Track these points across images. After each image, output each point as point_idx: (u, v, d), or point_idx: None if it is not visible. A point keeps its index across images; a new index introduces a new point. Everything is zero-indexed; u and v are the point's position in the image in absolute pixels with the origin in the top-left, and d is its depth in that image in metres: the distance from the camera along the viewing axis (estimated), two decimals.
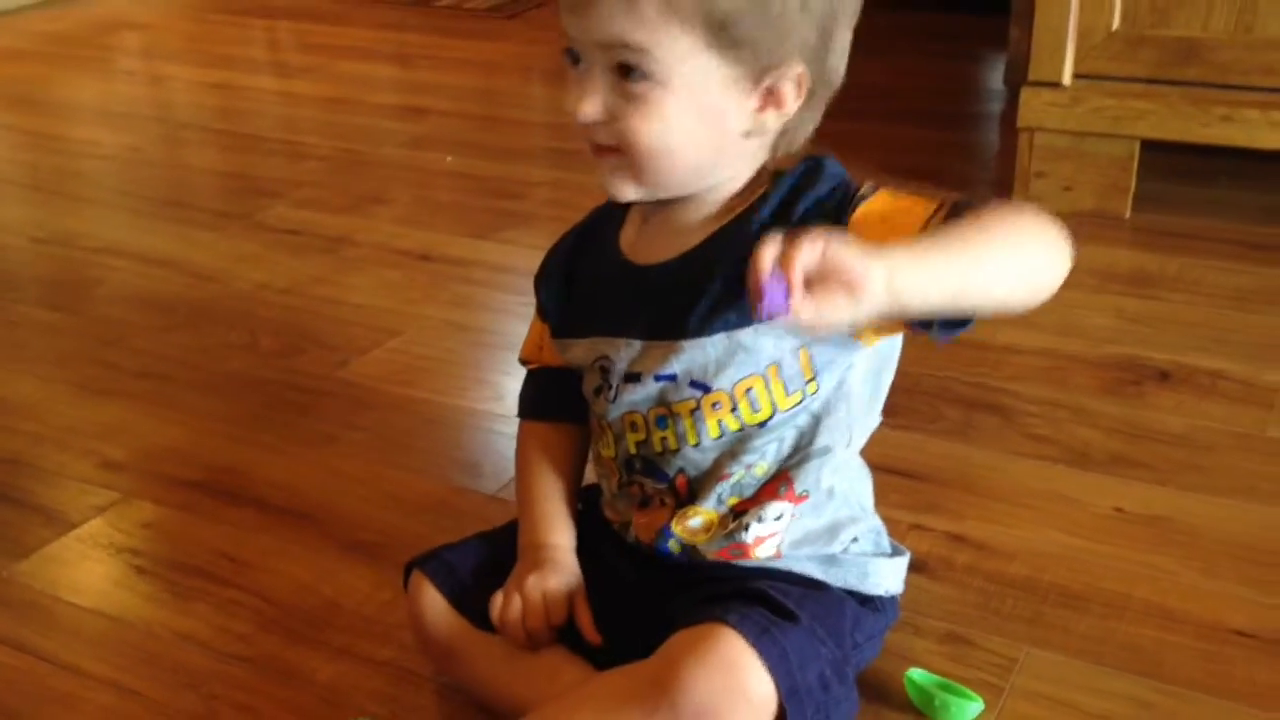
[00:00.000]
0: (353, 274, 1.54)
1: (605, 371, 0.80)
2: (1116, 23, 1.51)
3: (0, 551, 1.04)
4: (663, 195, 0.75)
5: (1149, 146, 1.55)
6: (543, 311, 0.87)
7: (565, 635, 0.82)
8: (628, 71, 0.69)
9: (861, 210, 0.72)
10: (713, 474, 0.78)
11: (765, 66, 0.70)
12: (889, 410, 1.18)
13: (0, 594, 0.99)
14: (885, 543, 0.85)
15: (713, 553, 0.79)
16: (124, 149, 2.03)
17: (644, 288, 0.78)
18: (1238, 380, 1.22)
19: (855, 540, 0.82)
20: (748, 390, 0.75)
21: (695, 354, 0.75)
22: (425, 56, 2.49)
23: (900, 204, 0.72)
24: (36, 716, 0.87)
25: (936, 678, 0.85)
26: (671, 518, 0.79)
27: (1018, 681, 0.87)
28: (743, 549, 0.78)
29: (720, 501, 0.78)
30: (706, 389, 0.76)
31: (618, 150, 0.72)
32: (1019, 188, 1.62)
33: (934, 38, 2.36)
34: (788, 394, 0.76)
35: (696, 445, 0.78)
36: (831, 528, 0.80)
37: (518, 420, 0.91)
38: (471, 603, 0.82)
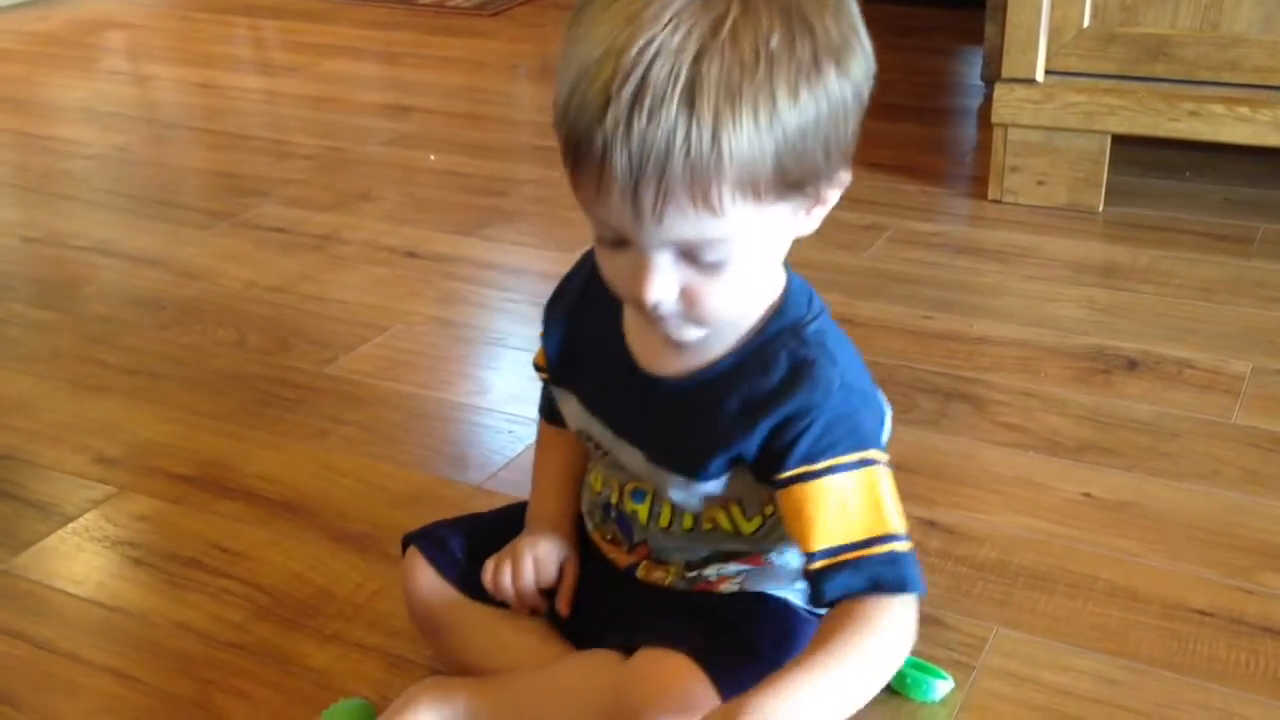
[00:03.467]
0: (340, 271, 1.56)
1: (596, 446, 0.82)
2: (1087, 20, 1.55)
3: None
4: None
5: (1120, 141, 1.58)
6: (545, 348, 0.86)
7: (550, 615, 0.85)
8: (702, 257, 0.66)
9: (805, 484, 0.71)
10: (677, 552, 0.81)
11: (822, 188, 0.68)
12: None
13: None
14: None
15: (679, 588, 0.82)
16: (111, 148, 2.05)
17: (655, 403, 0.76)
18: (1204, 369, 1.25)
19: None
20: (724, 506, 0.78)
21: (694, 488, 0.76)
22: (410, 55, 2.51)
23: (825, 507, 0.70)
24: (37, 703, 0.90)
25: (908, 657, 0.88)
26: (637, 564, 0.83)
27: (988, 660, 0.90)
28: (708, 586, 0.81)
29: (683, 563, 0.82)
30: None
31: (687, 314, 0.69)
32: (994, 182, 1.65)
33: (912, 32, 2.39)
34: (747, 519, 0.79)
35: (666, 529, 0.80)
36: (794, 577, 0.82)
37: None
38: (462, 575, 0.85)
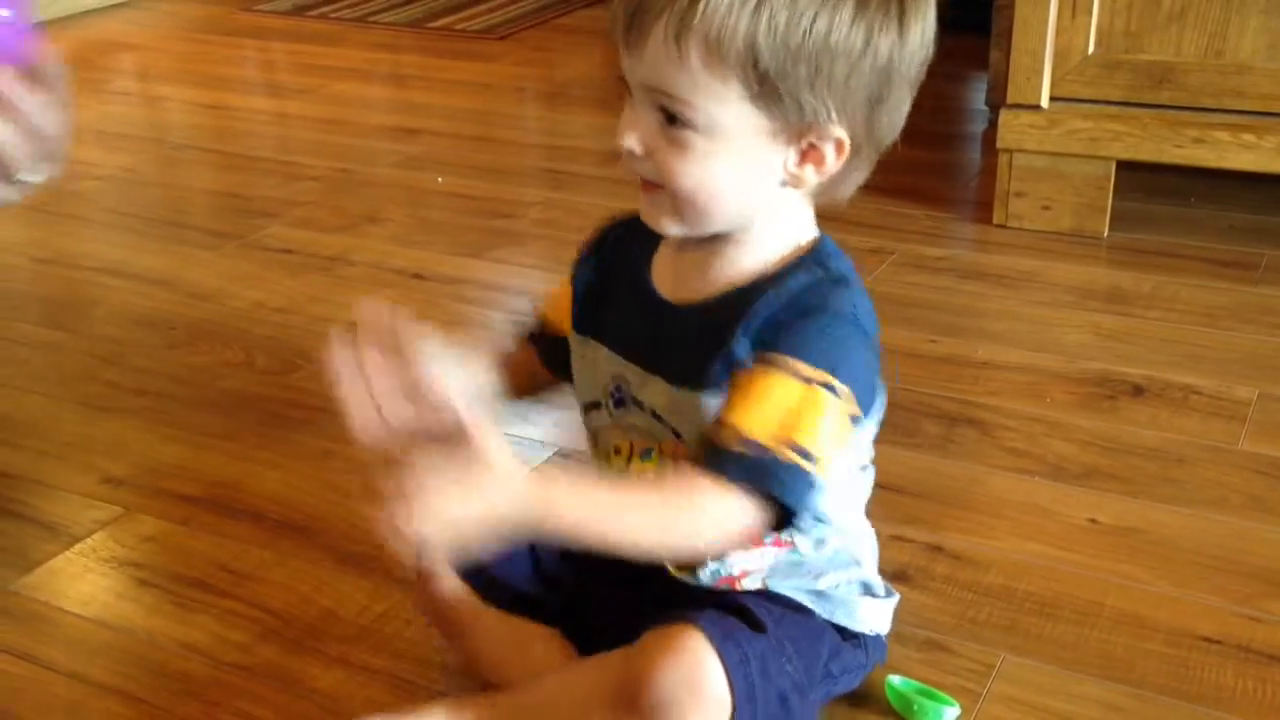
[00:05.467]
0: (347, 292, 1.56)
1: (615, 392, 0.82)
2: (1092, 47, 1.55)
3: (5, 565, 1.07)
4: (701, 234, 0.76)
5: (1125, 167, 1.59)
6: (575, 281, 0.86)
7: (563, 623, 0.85)
8: (670, 117, 0.70)
9: (764, 369, 0.72)
10: None
11: (806, 125, 0.71)
12: None
13: (6, 606, 1.02)
14: (877, 588, 0.87)
15: (705, 582, 0.81)
16: (120, 169, 2.06)
17: (674, 328, 0.78)
18: (1210, 395, 1.25)
19: (839, 586, 0.83)
20: None
21: (706, 404, 0.76)
22: (419, 77, 2.53)
23: (767, 397, 0.72)
24: None
25: (915, 683, 0.88)
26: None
27: (994, 687, 0.90)
28: (729, 580, 0.81)
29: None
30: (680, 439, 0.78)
31: (660, 186, 0.73)
32: (999, 207, 1.66)
33: None
34: None
35: None
36: (819, 571, 0.82)
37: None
38: (483, 581, 0.85)
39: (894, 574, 1.01)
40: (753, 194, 0.74)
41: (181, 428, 1.28)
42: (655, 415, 0.79)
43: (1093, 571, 1.01)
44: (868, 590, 0.85)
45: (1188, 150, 1.53)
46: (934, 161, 1.94)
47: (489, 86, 2.43)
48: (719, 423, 0.73)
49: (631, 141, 0.72)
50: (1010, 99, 1.60)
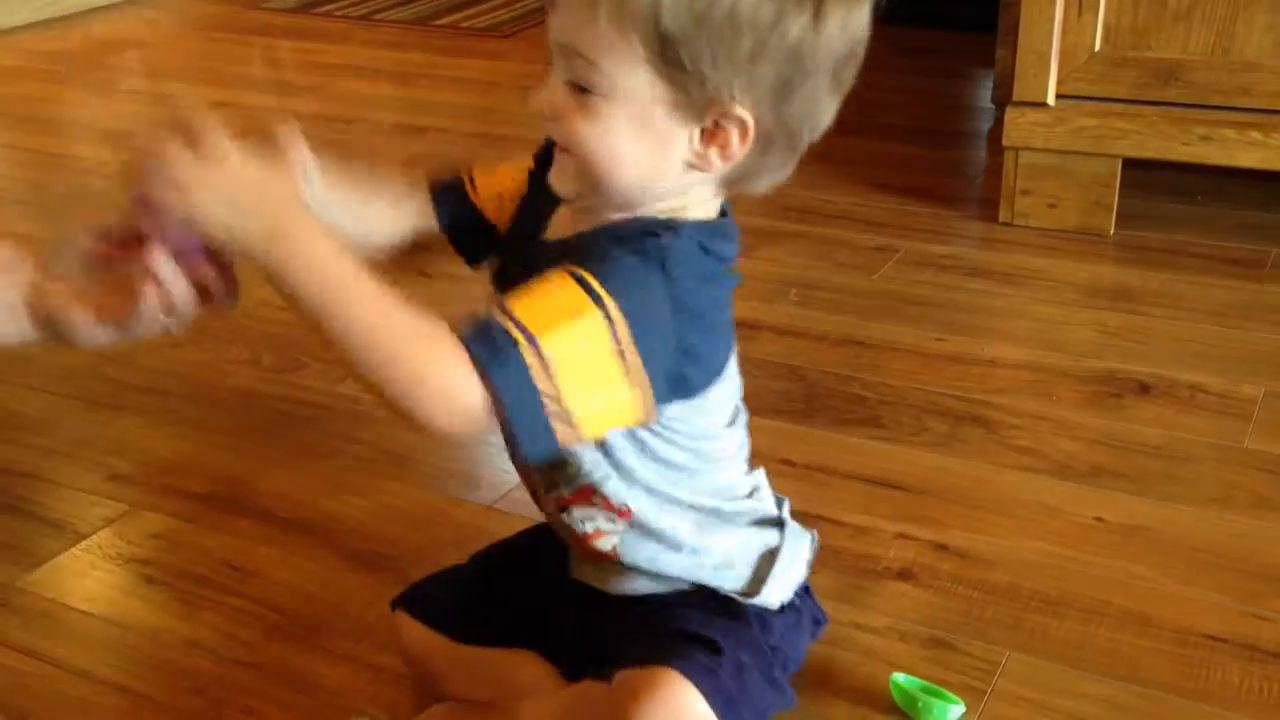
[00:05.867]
0: None
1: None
2: (1098, 44, 1.55)
3: (12, 562, 1.07)
4: (600, 205, 0.73)
5: (1131, 165, 1.58)
6: (533, 174, 0.83)
7: (539, 645, 0.86)
8: (576, 74, 0.70)
9: (558, 269, 0.68)
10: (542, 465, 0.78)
11: (708, 99, 0.69)
12: (876, 422, 1.21)
13: (13, 603, 1.02)
14: (759, 568, 0.83)
15: (573, 534, 0.80)
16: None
17: (534, 260, 0.74)
18: (1216, 393, 1.25)
19: (718, 568, 0.82)
20: None
21: None
22: (424, 75, 2.53)
23: (541, 287, 0.68)
24: None
25: (920, 681, 0.88)
26: (534, 481, 0.81)
27: (999, 685, 0.89)
28: (583, 539, 0.79)
29: (552, 483, 0.79)
30: None
31: (568, 150, 0.72)
32: (1005, 205, 1.65)
33: (923, 55, 2.40)
34: None
35: None
36: (676, 542, 0.80)
37: None
38: (450, 622, 0.87)
39: (899, 572, 1.01)
40: (655, 166, 0.71)
41: (187, 425, 1.28)
42: None
43: (1099, 570, 1.01)
44: (752, 576, 0.82)
45: (1194, 148, 1.52)
46: (940, 159, 1.93)
47: (495, 84, 2.43)
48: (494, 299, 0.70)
49: (538, 100, 0.72)
50: (1016, 96, 1.60)
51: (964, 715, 0.86)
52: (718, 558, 0.81)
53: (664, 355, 0.69)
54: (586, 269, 0.67)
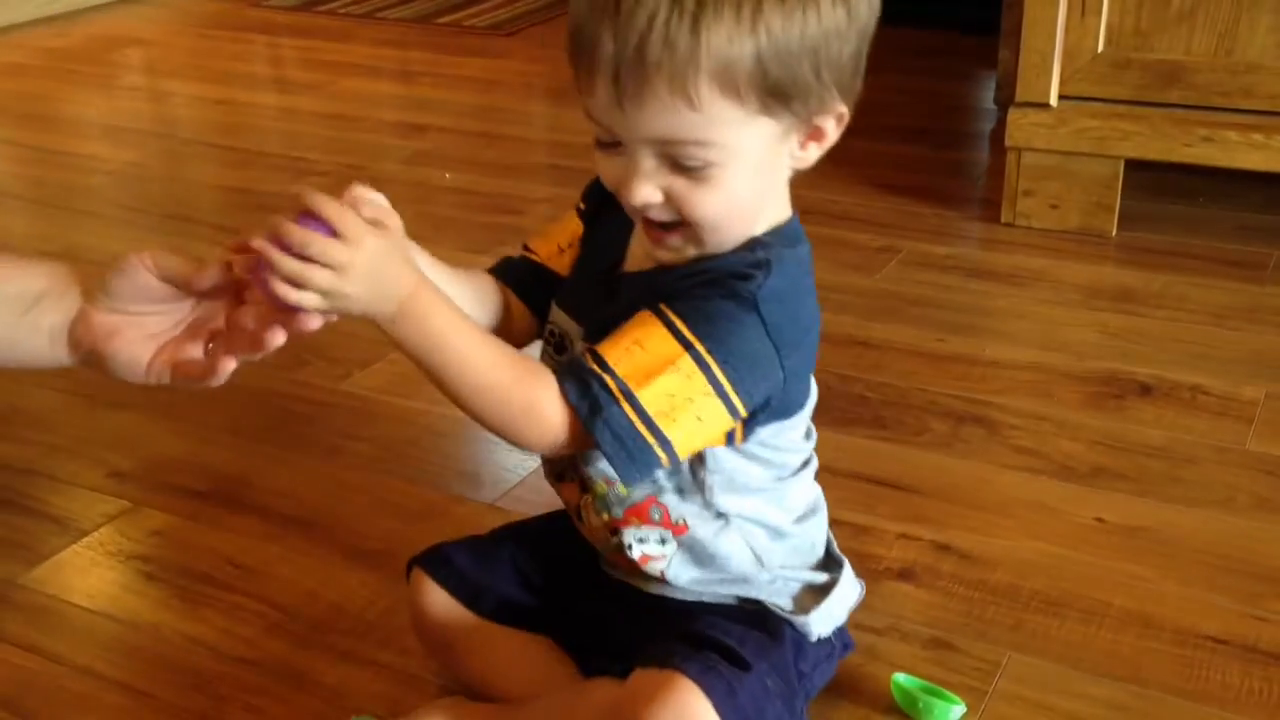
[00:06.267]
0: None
1: (552, 336, 0.81)
2: (1101, 46, 1.55)
3: (14, 558, 1.07)
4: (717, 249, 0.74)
5: (1133, 166, 1.58)
6: (583, 213, 0.83)
7: (552, 630, 0.85)
8: (684, 160, 0.68)
9: (646, 311, 0.71)
10: (589, 462, 0.78)
11: (815, 109, 0.70)
12: (878, 423, 1.21)
13: (14, 599, 1.02)
14: (814, 581, 0.84)
15: (622, 561, 0.80)
16: (128, 164, 2.06)
17: (617, 294, 0.77)
18: (1217, 395, 1.25)
19: (772, 582, 0.82)
20: None
21: None
22: (426, 73, 2.53)
23: (633, 332, 0.70)
24: (49, 717, 0.90)
25: (921, 681, 0.88)
26: (579, 499, 0.81)
27: (1000, 685, 0.89)
28: (631, 562, 0.80)
29: (603, 505, 0.79)
30: None
31: (678, 224, 0.71)
32: (1007, 205, 1.65)
33: (926, 55, 2.40)
34: None
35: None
36: (734, 576, 0.80)
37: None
38: (469, 593, 0.86)
39: (900, 572, 1.01)
40: (768, 191, 0.74)
41: (189, 422, 1.28)
42: None
43: (1099, 571, 1.01)
44: (797, 605, 0.83)
45: (1197, 149, 1.52)
46: (942, 160, 1.93)
47: (496, 83, 2.43)
48: (589, 346, 0.72)
49: (648, 194, 0.69)
50: (1019, 97, 1.60)
51: (965, 715, 0.86)
52: (767, 579, 0.81)
53: (763, 389, 0.72)
54: (677, 312, 0.70)
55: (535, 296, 0.84)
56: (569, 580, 0.87)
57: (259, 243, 0.66)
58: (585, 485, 0.79)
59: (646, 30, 0.63)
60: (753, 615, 0.81)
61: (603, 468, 0.75)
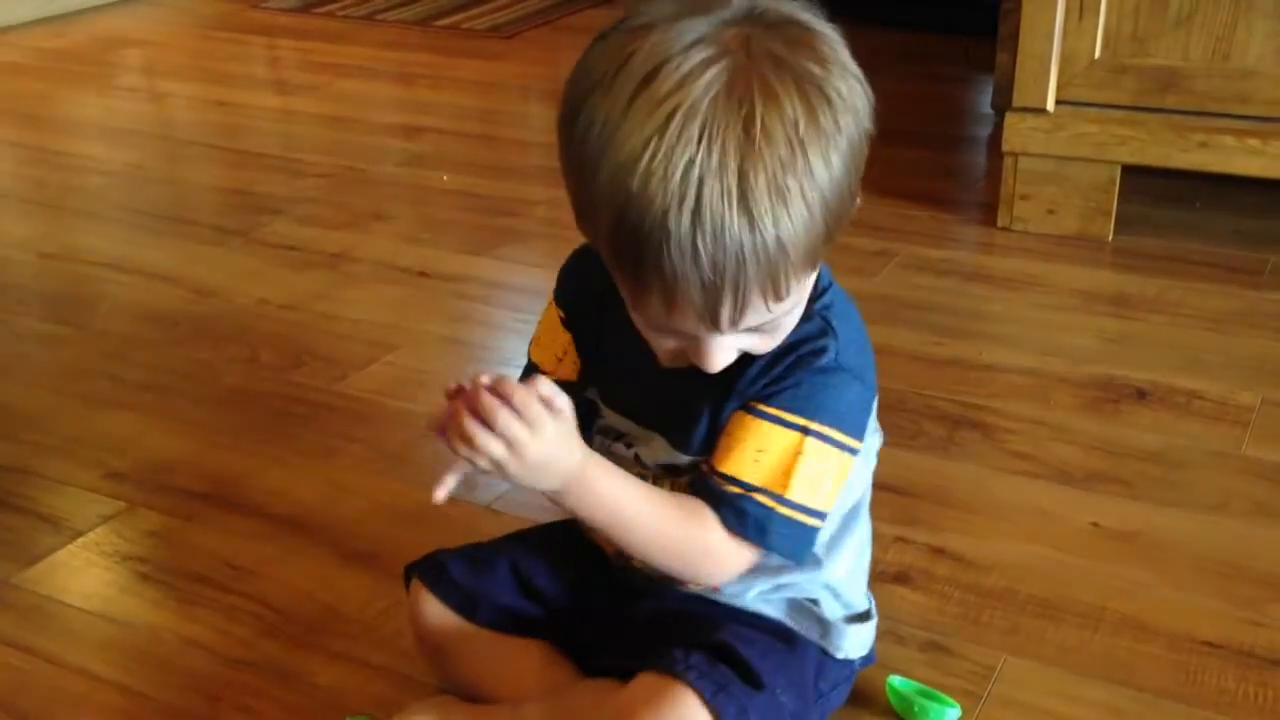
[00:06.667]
0: (352, 290, 1.57)
1: (619, 436, 0.82)
2: (1098, 51, 1.55)
3: (9, 558, 1.07)
4: None
5: (1130, 171, 1.59)
6: (569, 324, 0.84)
7: (552, 636, 0.85)
8: (766, 326, 0.70)
9: (746, 415, 0.74)
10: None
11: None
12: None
13: (9, 599, 1.02)
14: (858, 607, 0.86)
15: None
16: (126, 165, 2.06)
17: (671, 391, 0.78)
18: (1214, 400, 1.25)
19: (817, 602, 0.83)
20: None
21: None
22: (425, 76, 2.53)
23: (748, 441, 0.74)
24: (45, 717, 0.90)
25: (916, 684, 0.88)
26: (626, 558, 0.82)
27: (995, 689, 0.90)
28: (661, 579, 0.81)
29: None
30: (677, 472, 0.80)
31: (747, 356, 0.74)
32: (1004, 210, 1.66)
33: (924, 59, 2.41)
34: None
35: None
36: (787, 585, 0.82)
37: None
38: (464, 602, 0.85)
39: (896, 575, 1.01)
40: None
41: (185, 423, 1.28)
42: (645, 464, 0.80)
43: (1095, 575, 1.01)
44: (846, 612, 0.85)
45: (1193, 155, 1.53)
46: (939, 164, 1.94)
47: (495, 85, 2.44)
48: (714, 469, 0.75)
49: (730, 358, 0.72)
50: (1016, 102, 1.60)
51: (960, 719, 0.86)
52: (822, 584, 0.82)
53: (866, 417, 0.78)
54: (778, 406, 0.74)
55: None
56: (584, 582, 0.86)
57: (454, 404, 0.69)
58: None
59: (736, 263, 0.63)
60: (779, 630, 0.81)
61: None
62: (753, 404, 0.74)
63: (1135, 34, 1.53)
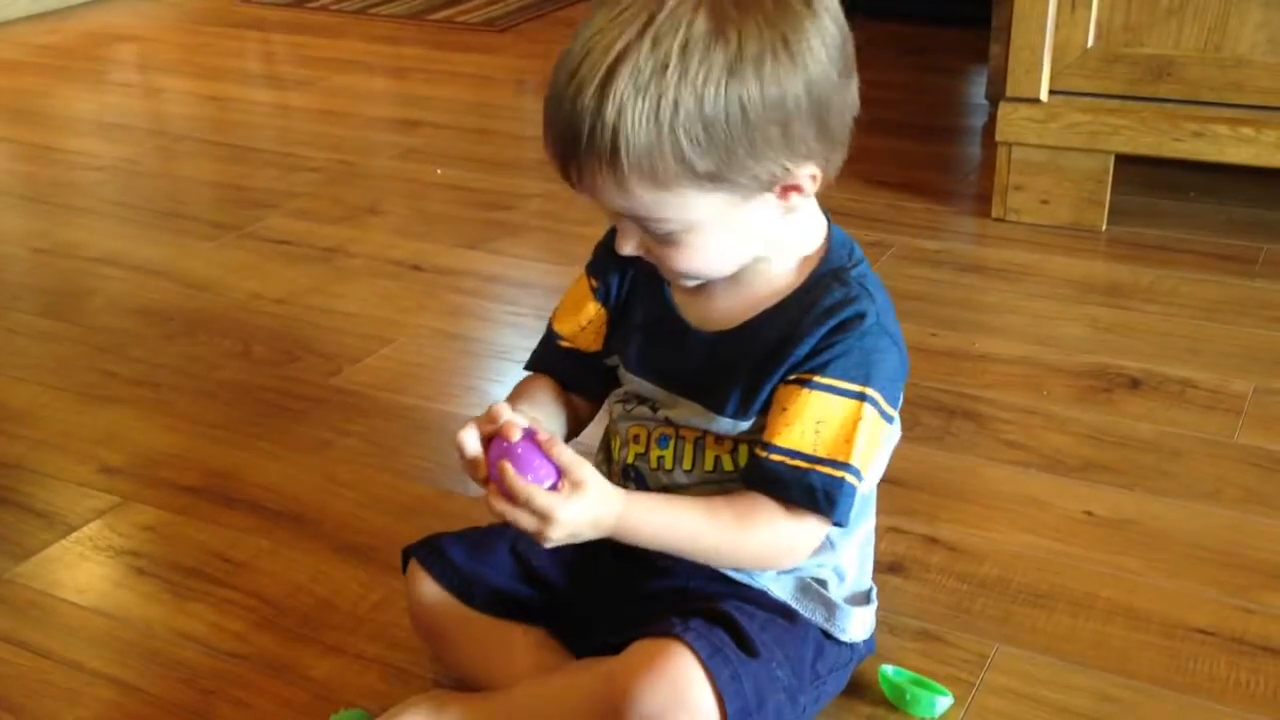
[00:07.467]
0: (346, 283, 1.57)
1: (642, 400, 0.83)
2: (1091, 41, 1.55)
3: (2, 553, 1.07)
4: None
5: (1124, 161, 1.59)
6: (601, 294, 0.86)
7: (550, 620, 0.85)
8: (647, 228, 0.74)
9: (801, 388, 0.76)
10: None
11: (769, 180, 0.72)
12: None
13: (3, 594, 1.02)
14: (862, 590, 0.87)
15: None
16: (120, 160, 2.06)
17: (709, 357, 0.80)
18: (1207, 389, 1.26)
19: (825, 584, 0.84)
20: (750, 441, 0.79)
21: (740, 426, 0.80)
22: (419, 70, 2.53)
23: (806, 414, 0.75)
24: (39, 711, 0.90)
25: (909, 673, 0.88)
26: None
27: (988, 677, 0.90)
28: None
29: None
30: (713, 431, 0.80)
31: (664, 271, 0.78)
32: (998, 200, 1.66)
33: (917, 51, 2.41)
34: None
35: (689, 471, 0.81)
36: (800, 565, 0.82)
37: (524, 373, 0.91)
38: (462, 585, 0.85)
39: (889, 565, 1.01)
40: (755, 239, 0.76)
41: (179, 417, 1.28)
42: (672, 422, 0.81)
43: (1087, 563, 1.01)
44: (850, 595, 0.85)
45: (1187, 144, 1.53)
46: (933, 155, 1.94)
47: (489, 79, 2.43)
48: (769, 443, 0.76)
49: (631, 249, 0.76)
50: (1009, 92, 1.60)
51: (952, 707, 0.87)
52: (831, 565, 0.83)
53: (899, 396, 0.80)
54: (833, 375, 0.75)
55: (586, 384, 0.88)
56: (584, 565, 0.86)
57: (487, 459, 0.73)
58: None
59: (577, 127, 0.69)
60: (782, 610, 0.81)
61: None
62: (805, 376, 0.75)
63: (1128, 23, 1.53)
